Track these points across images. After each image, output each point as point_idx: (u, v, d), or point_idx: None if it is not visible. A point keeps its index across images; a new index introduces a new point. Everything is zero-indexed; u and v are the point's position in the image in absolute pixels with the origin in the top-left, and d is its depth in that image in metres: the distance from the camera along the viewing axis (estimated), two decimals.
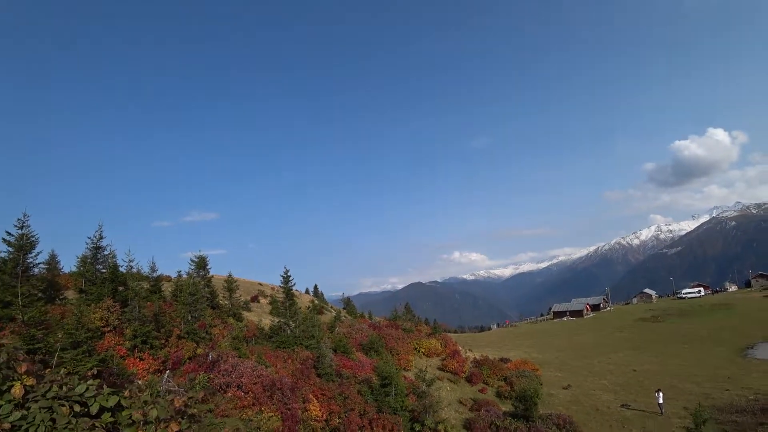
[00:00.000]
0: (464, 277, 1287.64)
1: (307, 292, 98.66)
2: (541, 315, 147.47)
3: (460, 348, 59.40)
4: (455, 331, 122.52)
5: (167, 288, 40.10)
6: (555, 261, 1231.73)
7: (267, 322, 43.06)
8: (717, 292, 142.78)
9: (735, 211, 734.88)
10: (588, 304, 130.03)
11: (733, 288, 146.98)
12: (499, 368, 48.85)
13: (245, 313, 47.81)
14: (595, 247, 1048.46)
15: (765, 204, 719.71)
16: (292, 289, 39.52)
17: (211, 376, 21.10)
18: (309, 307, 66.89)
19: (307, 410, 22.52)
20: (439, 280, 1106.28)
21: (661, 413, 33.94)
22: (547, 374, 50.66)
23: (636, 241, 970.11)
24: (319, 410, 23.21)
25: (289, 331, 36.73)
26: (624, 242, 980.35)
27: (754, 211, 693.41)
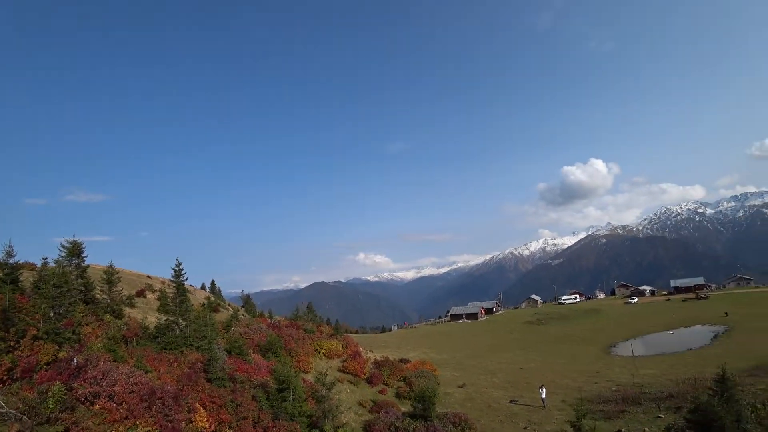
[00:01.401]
0: (368, 278, 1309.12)
1: (203, 287, 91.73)
2: (440, 317, 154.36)
3: (362, 349, 59.11)
4: (357, 332, 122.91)
5: (27, 278, 33.79)
6: (455, 267, 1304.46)
7: (153, 320, 38.55)
8: (589, 298, 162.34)
9: (606, 230, 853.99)
10: (483, 307, 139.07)
11: (602, 295, 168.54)
12: (399, 369, 49.36)
13: (128, 310, 42.39)
14: (491, 256, 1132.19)
15: (628, 226, 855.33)
16: (184, 284, 35.75)
17: (74, 385, 17.76)
18: (203, 304, 62.00)
19: (192, 421, 20.06)
20: (343, 281, 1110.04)
21: (544, 407, 36.99)
22: (444, 374, 52.45)
23: (526, 252, 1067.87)
24: (207, 420, 20.85)
25: (178, 331, 33.12)
26: (516, 252, 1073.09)
27: (621, 232, 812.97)
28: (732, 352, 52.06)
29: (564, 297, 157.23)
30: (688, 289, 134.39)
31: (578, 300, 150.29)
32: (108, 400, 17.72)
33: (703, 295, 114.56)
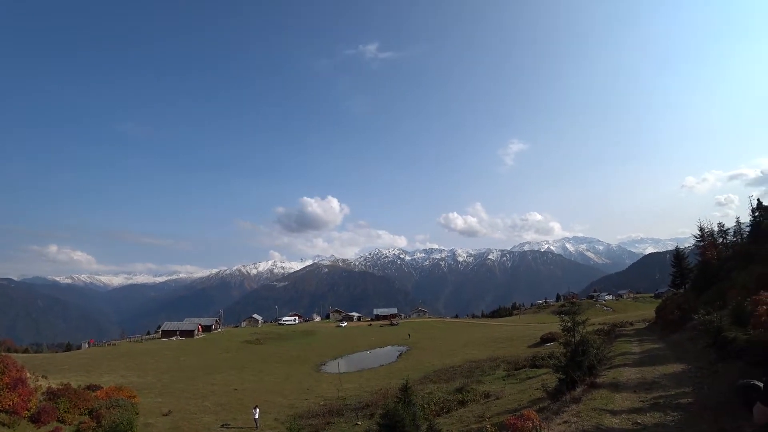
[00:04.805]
0: (56, 278, 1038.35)
1: None
2: (148, 333, 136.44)
3: (29, 375, 45.12)
4: (27, 351, 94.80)
5: None
6: (175, 277, 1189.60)
7: None
8: (307, 321, 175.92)
9: (329, 261, 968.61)
10: (200, 324, 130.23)
11: (318, 318, 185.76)
12: (85, 399, 39.69)
13: None
14: (217, 270, 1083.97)
15: (348, 260, 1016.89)
16: None
17: None
18: None
19: None
20: (15, 279, 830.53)
21: (257, 427, 36.33)
22: (146, 401, 45.23)
23: (254, 271, 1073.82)
24: None
25: None
26: (244, 270, 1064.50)
27: (341, 264, 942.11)
28: (411, 366, 65.34)
29: (284, 318, 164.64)
30: (385, 317, 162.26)
31: (297, 321, 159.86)
32: None
33: (395, 322, 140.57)
